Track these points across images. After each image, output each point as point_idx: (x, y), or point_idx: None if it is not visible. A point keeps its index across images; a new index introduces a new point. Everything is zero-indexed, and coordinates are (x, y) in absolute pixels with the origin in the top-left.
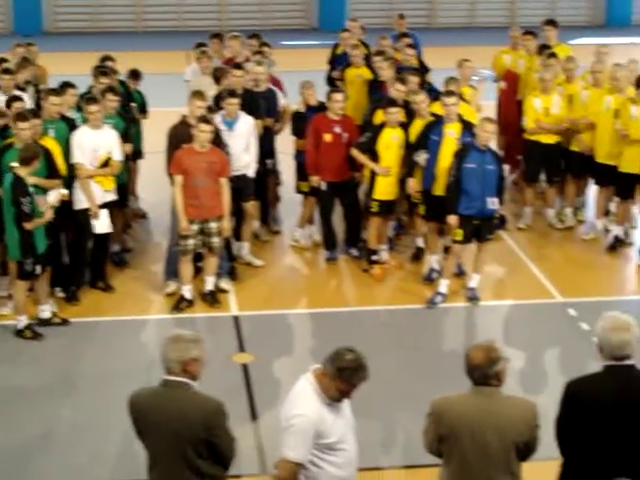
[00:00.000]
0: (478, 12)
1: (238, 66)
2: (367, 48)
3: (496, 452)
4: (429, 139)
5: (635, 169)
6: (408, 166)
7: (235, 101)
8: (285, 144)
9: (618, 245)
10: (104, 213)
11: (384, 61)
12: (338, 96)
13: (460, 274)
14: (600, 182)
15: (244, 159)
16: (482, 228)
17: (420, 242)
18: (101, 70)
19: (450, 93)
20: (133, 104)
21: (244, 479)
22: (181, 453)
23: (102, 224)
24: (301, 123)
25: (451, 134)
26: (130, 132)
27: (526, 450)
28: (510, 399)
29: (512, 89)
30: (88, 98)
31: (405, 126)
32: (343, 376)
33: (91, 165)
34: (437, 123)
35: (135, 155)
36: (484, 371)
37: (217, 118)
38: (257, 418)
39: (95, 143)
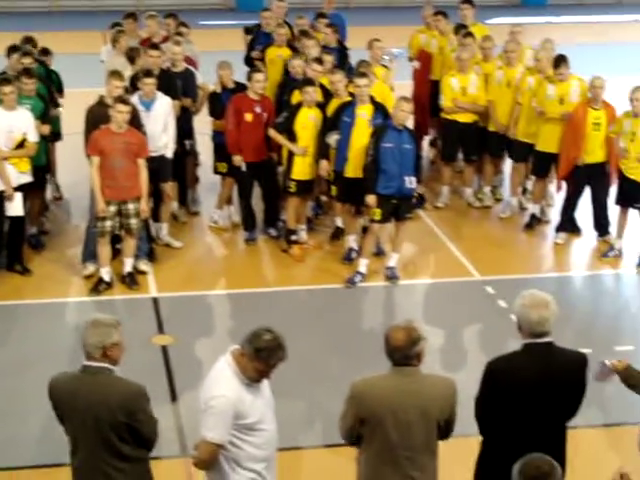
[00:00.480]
0: None
1: (155, 46)
2: (290, 28)
3: (419, 431)
4: (341, 120)
5: (551, 148)
6: (320, 147)
7: (151, 81)
8: (203, 124)
9: (535, 223)
10: (18, 196)
11: (308, 40)
12: (259, 76)
13: (379, 254)
14: (516, 158)
15: (162, 140)
16: (400, 207)
17: (339, 222)
18: (23, 51)
19: (361, 74)
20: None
21: (164, 460)
22: (103, 438)
23: (15, 207)
24: (218, 104)
25: (363, 115)
26: (48, 114)
27: (446, 428)
28: (430, 378)
29: (425, 69)
30: (2, 79)
31: (322, 106)
32: (261, 356)
33: (5, 147)
34: (349, 104)
35: (54, 137)
36: (405, 352)
37: (134, 98)
38: (177, 400)
39: (9, 124)
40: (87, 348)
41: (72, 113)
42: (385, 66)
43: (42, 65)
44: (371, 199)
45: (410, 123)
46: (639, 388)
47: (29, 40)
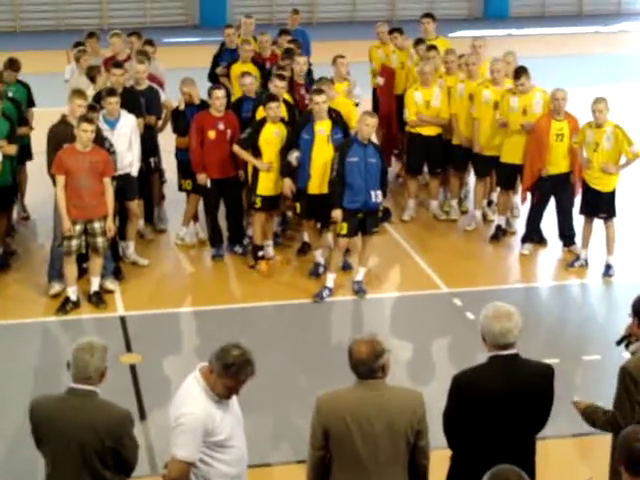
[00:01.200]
0: (359, 6)
1: (118, 64)
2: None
3: (386, 444)
4: (300, 138)
5: (515, 159)
6: (282, 165)
7: (114, 100)
8: (167, 142)
9: (501, 235)
10: None
11: (299, 57)
12: (219, 92)
13: (346, 268)
14: (479, 173)
15: (127, 158)
16: (367, 221)
17: (306, 237)
18: None
19: (319, 91)
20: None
21: None
22: (85, 462)
23: None
24: (181, 120)
25: (322, 132)
26: (14, 134)
27: (417, 441)
28: (396, 390)
29: (389, 84)
30: None
31: (287, 122)
32: (230, 372)
33: None
34: (307, 122)
35: (24, 156)
36: (370, 365)
37: (98, 117)
38: (146, 418)
39: None
40: (84, 372)
41: (37, 132)
42: (348, 81)
43: (20, 83)
44: (337, 214)
45: (374, 137)
46: (597, 425)
47: (12, 62)
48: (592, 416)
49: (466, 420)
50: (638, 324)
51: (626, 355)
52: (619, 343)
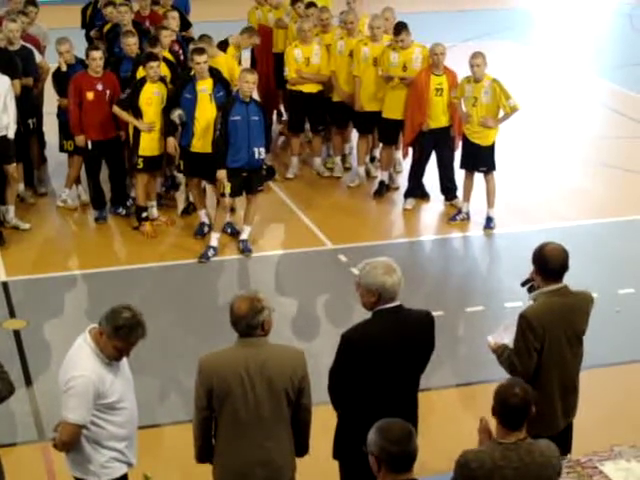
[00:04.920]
0: None
1: None
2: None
3: (267, 401)
4: (182, 97)
5: (397, 115)
6: (165, 125)
7: None
8: (48, 104)
9: (384, 190)
10: None
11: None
12: (96, 53)
13: (233, 234)
14: (361, 129)
15: (3, 120)
16: (251, 179)
17: (190, 197)
18: None
19: (200, 50)
20: None
21: (20, 447)
22: None
23: None
24: (62, 81)
25: (204, 90)
26: None
27: (299, 399)
28: (277, 348)
29: (266, 42)
30: None
31: (167, 81)
32: (120, 334)
33: None
34: (189, 81)
35: None
36: (248, 321)
37: None
38: (32, 384)
39: None
40: None
41: None
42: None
43: None
44: (221, 174)
45: (255, 95)
46: (501, 363)
47: None
48: (500, 357)
49: (354, 377)
50: (537, 271)
51: (508, 305)
52: (523, 284)
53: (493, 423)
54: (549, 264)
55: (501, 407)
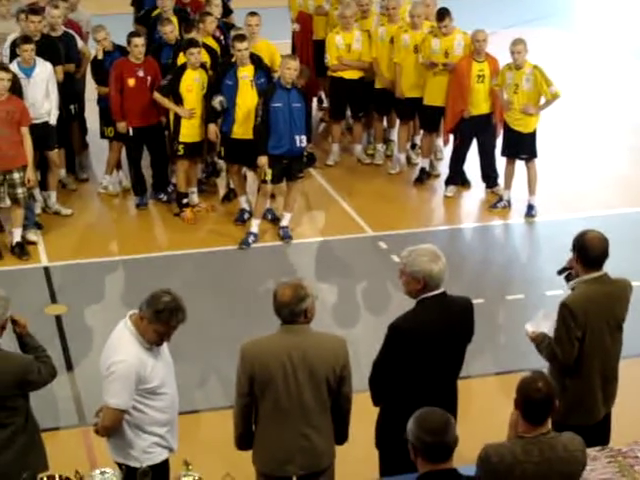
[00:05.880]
0: None
1: (35, 11)
2: None
3: (308, 389)
4: (223, 84)
5: (438, 101)
6: (206, 111)
7: (29, 47)
8: (89, 90)
9: (425, 177)
10: None
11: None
12: (137, 40)
13: (274, 220)
14: (402, 116)
15: (44, 107)
16: (292, 166)
17: (231, 183)
18: None
19: (241, 37)
20: None
21: (62, 431)
22: None
23: None
24: (100, 69)
25: (245, 77)
26: None
27: (340, 387)
28: (319, 336)
29: (306, 29)
30: None
31: (208, 67)
32: (161, 318)
33: None
34: (230, 67)
35: None
36: (291, 308)
37: (13, 65)
38: (73, 369)
39: None
40: None
41: None
42: None
43: None
44: (262, 160)
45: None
46: (541, 353)
47: None
48: (539, 345)
49: (400, 366)
50: (576, 259)
51: (549, 294)
52: (560, 273)
53: None
54: (589, 252)
55: (524, 402)
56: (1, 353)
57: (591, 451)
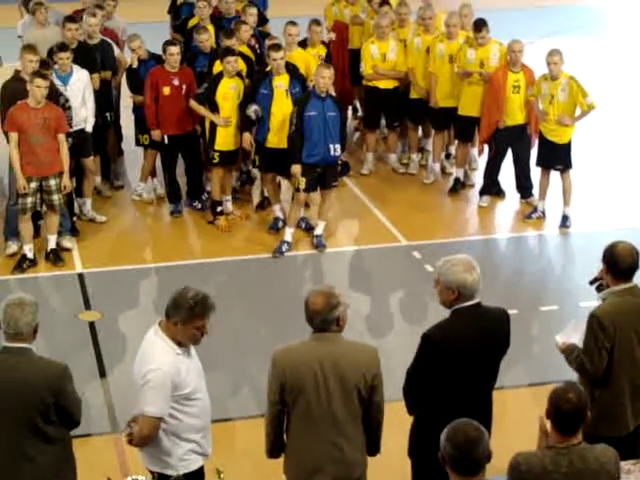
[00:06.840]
0: None
1: (72, 19)
2: None
3: (339, 398)
4: (258, 93)
5: (473, 112)
6: (241, 120)
7: (66, 55)
8: (124, 98)
9: (459, 187)
10: None
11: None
12: (173, 49)
13: (309, 229)
14: (437, 126)
15: (81, 114)
16: (326, 175)
17: (265, 191)
18: None
19: (277, 47)
20: None
21: (95, 438)
22: (27, 421)
23: None
24: (135, 78)
25: (280, 86)
26: None
27: (371, 396)
28: (351, 344)
29: (341, 39)
30: None
31: (243, 76)
32: (197, 313)
33: None
34: (265, 77)
35: None
36: (324, 316)
37: (52, 73)
38: (106, 376)
39: None
40: (14, 327)
41: None
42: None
43: None
44: (296, 169)
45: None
46: (570, 365)
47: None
48: (569, 356)
49: (434, 377)
50: (606, 270)
51: (583, 305)
52: (592, 283)
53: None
54: (619, 263)
55: (555, 412)
56: (34, 358)
57: (625, 464)
